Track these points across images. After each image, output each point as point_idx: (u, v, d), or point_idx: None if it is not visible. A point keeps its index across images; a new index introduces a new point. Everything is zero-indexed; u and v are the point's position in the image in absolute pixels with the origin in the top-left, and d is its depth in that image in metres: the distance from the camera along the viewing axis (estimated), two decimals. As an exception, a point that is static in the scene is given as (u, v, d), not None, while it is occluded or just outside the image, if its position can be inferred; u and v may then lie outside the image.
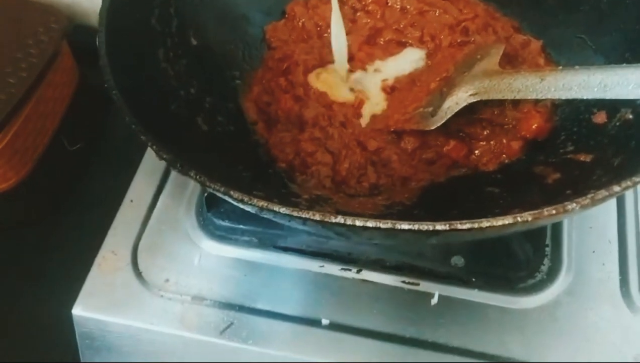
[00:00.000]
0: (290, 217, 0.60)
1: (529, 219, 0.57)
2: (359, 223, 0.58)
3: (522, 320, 0.83)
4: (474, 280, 0.86)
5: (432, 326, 0.83)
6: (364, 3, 1.02)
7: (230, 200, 0.63)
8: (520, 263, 0.87)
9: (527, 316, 0.83)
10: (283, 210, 0.60)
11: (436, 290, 0.85)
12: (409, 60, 0.96)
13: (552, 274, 0.86)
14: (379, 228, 0.57)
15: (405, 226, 0.57)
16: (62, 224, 1.09)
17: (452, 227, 0.56)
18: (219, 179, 0.64)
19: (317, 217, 0.59)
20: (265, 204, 0.61)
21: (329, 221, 0.58)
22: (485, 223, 0.56)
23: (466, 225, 0.56)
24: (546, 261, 0.87)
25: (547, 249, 0.88)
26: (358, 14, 1.02)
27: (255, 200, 0.61)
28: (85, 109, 1.23)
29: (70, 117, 1.21)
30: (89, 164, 1.18)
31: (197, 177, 0.64)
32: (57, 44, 1.14)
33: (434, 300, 0.85)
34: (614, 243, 0.88)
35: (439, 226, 0.57)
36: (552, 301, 0.84)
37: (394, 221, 0.57)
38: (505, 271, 0.87)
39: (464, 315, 0.84)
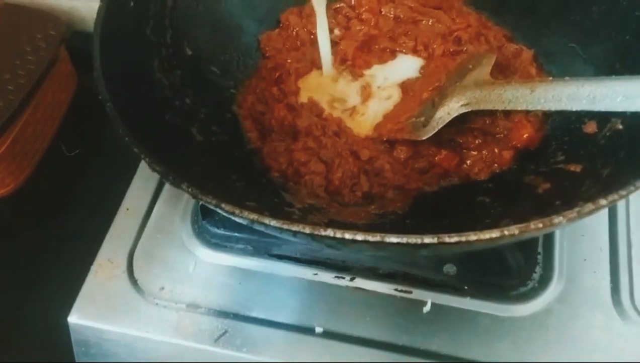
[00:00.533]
0: (281, 230, 0.61)
1: (516, 232, 0.57)
2: (348, 236, 0.58)
3: (514, 328, 0.83)
4: (466, 288, 0.86)
5: (425, 334, 0.84)
6: (357, 12, 1.03)
7: (222, 212, 0.63)
8: (512, 271, 0.88)
9: (519, 324, 0.83)
10: (274, 223, 0.61)
11: (429, 298, 0.86)
12: (405, 67, 0.97)
13: (543, 282, 0.86)
14: (367, 241, 0.58)
15: (393, 239, 0.58)
16: (59, 232, 1.09)
17: (440, 240, 0.57)
18: (211, 190, 0.64)
19: (307, 230, 0.60)
20: (256, 217, 0.61)
21: (319, 234, 0.59)
22: (473, 237, 0.57)
23: (454, 238, 0.57)
24: (538, 269, 0.87)
25: (539, 257, 0.88)
26: (352, 21, 1.03)
27: (246, 213, 0.62)
28: (83, 115, 1.24)
29: (68, 123, 1.22)
30: (86, 170, 1.18)
31: (189, 189, 0.64)
32: (55, 51, 1.15)
33: (427, 308, 0.85)
34: (605, 251, 0.88)
35: (427, 239, 0.57)
36: (544, 309, 0.84)
37: (382, 234, 0.58)
38: (497, 279, 0.87)
39: (456, 322, 0.84)
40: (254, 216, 0.61)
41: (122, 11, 0.83)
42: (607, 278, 0.86)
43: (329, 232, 0.59)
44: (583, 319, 0.84)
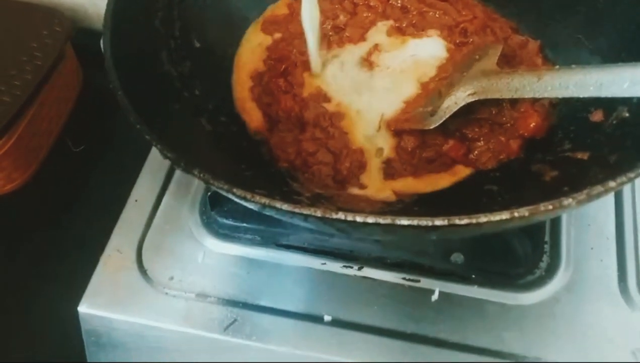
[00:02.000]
0: (293, 214, 0.61)
1: (526, 214, 0.58)
2: (359, 219, 0.59)
3: (521, 316, 0.84)
4: (473, 276, 0.87)
5: (433, 322, 0.84)
6: None
7: (233, 198, 0.64)
8: (519, 260, 0.88)
9: (526, 312, 0.84)
10: (285, 207, 0.61)
11: (436, 287, 0.86)
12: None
13: (550, 270, 0.87)
14: (379, 224, 0.59)
15: (404, 221, 0.58)
16: (68, 224, 1.10)
17: (451, 222, 0.58)
18: (221, 178, 0.65)
19: (319, 213, 0.60)
20: (268, 201, 0.62)
21: (330, 217, 0.60)
22: (483, 219, 0.57)
23: (464, 221, 0.58)
24: (545, 257, 0.88)
25: (546, 246, 0.89)
26: (359, 7, 1.03)
27: (257, 197, 0.62)
28: (89, 111, 1.25)
29: (74, 118, 1.23)
30: (93, 165, 1.19)
31: (201, 175, 0.65)
32: (61, 47, 1.16)
33: (435, 297, 0.86)
34: (611, 239, 0.89)
35: (438, 222, 0.58)
36: (551, 297, 0.85)
37: (393, 217, 0.58)
38: (504, 268, 0.88)
39: (463, 311, 0.85)
40: (265, 200, 0.62)
41: (131, 3, 0.84)
42: (614, 266, 0.87)
43: (341, 215, 0.59)
44: (590, 307, 0.84)
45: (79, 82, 1.27)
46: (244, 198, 0.63)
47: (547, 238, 0.89)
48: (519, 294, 0.85)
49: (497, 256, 0.89)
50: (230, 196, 0.64)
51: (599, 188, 0.59)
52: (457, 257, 0.88)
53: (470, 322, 0.84)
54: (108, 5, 0.81)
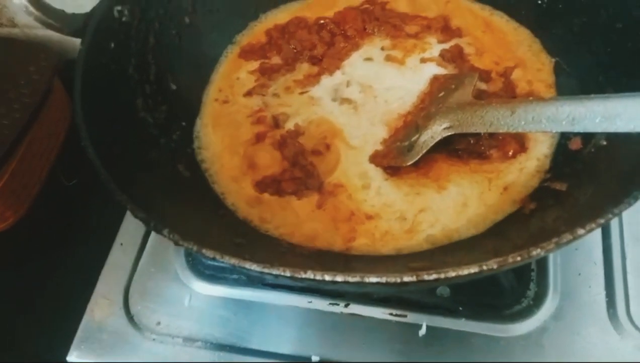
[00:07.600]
0: (262, 273, 0.61)
1: (495, 267, 0.57)
2: (328, 277, 0.59)
3: (510, 347, 0.84)
4: (460, 309, 0.87)
5: (421, 357, 0.84)
6: (342, 28, 1.02)
7: (203, 258, 0.64)
8: (506, 290, 0.88)
9: (515, 343, 0.84)
10: (254, 267, 0.61)
11: (424, 321, 0.86)
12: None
13: (538, 299, 0.87)
14: (347, 282, 0.59)
15: (373, 279, 0.58)
16: (56, 267, 1.10)
17: (419, 279, 0.57)
18: (192, 237, 0.64)
19: (288, 273, 0.60)
20: (237, 261, 0.62)
21: (299, 276, 0.60)
22: (451, 273, 0.57)
23: (432, 276, 0.57)
24: (532, 286, 0.87)
25: (533, 274, 0.88)
26: (336, 37, 1.02)
27: (227, 257, 0.62)
28: (79, 144, 1.24)
29: (66, 152, 1.23)
30: (85, 199, 1.18)
31: (170, 236, 0.65)
32: (49, 82, 1.16)
33: (422, 331, 0.85)
34: (599, 264, 0.88)
35: (406, 278, 0.58)
36: (539, 327, 0.85)
37: (362, 274, 0.58)
38: (491, 299, 0.88)
39: (451, 344, 0.85)
40: (234, 260, 0.62)
41: (103, 53, 0.84)
42: (603, 292, 0.86)
43: (309, 274, 0.59)
44: (579, 335, 0.84)
45: (69, 115, 1.27)
46: (214, 258, 0.63)
47: (533, 266, 0.89)
48: (506, 325, 0.85)
49: (483, 287, 0.88)
50: (200, 256, 0.64)
51: (567, 236, 0.58)
52: (443, 290, 0.88)
53: (458, 355, 0.84)
54: (78, 58, 0.81)
